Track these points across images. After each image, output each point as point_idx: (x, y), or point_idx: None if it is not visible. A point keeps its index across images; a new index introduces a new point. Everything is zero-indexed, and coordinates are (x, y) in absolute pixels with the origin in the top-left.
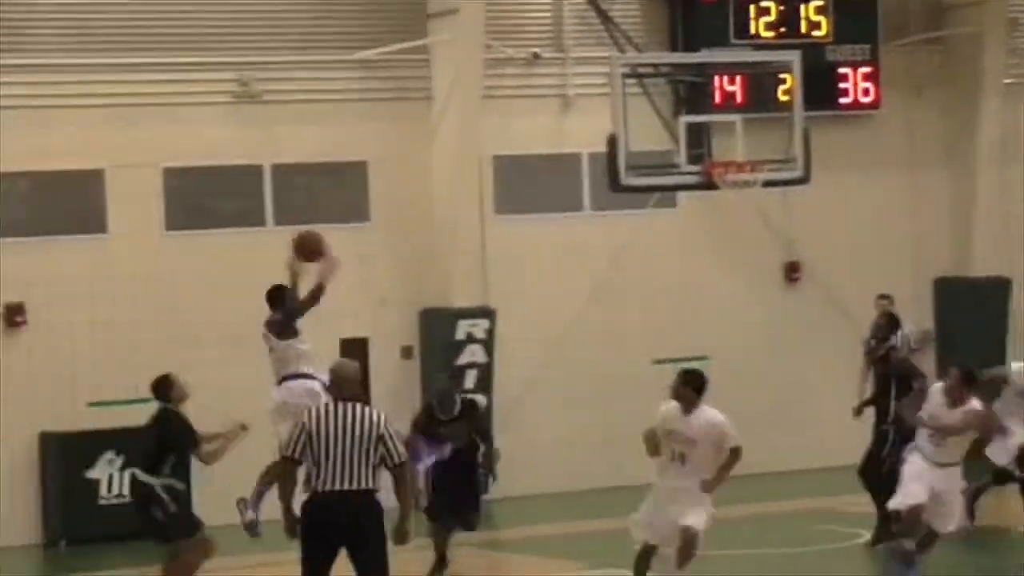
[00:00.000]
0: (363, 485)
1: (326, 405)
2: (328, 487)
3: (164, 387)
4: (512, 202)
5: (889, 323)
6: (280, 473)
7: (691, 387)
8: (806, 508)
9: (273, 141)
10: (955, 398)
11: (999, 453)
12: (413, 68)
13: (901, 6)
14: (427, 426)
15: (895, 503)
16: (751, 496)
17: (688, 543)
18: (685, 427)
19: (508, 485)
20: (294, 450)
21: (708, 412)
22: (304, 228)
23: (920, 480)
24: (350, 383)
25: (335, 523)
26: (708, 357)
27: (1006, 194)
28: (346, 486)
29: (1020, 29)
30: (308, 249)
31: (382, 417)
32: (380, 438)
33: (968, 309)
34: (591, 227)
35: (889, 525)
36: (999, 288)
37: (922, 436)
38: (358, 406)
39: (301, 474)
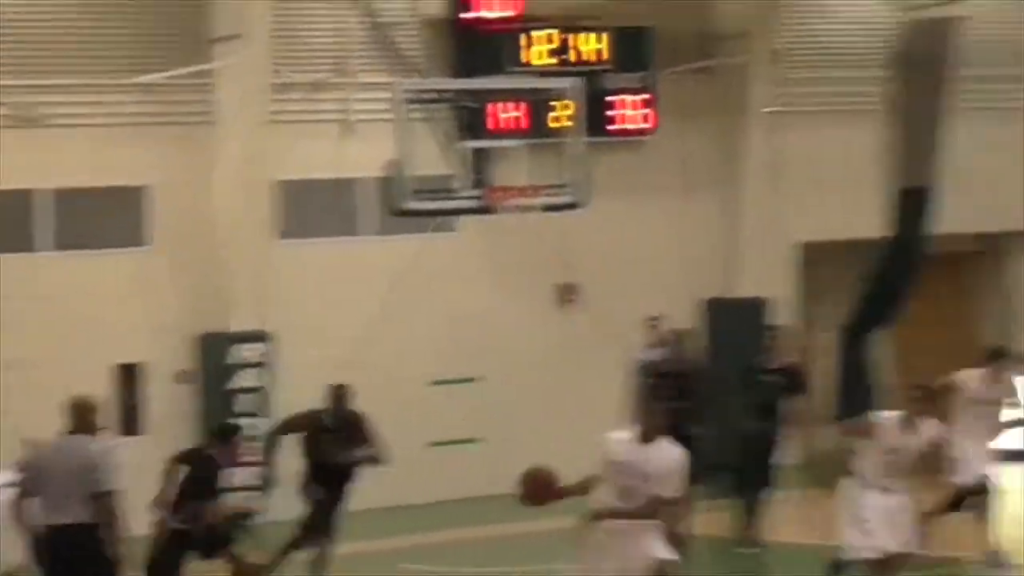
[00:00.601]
0: (77, 519)
1: (53, 440)
2: (48, 521)
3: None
4: (296, 226)
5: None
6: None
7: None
8: None
9: (52, 165)
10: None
11: None
12: (197, 92)
13: (674, 36)
14: (311, 432)
15: None
16: (532, 512)
17: None
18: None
19: (281, 507)
20: (24, 485)
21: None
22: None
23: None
24: (78, 416)
25: (57, 557)
26: (475, 379)
27: (772, 218)
28: (61, 520)
29: (784, 60)
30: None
31: (99, 447)
32: (91, 467)
33: (734, 328)
34: (374, 251)
35: None
36: (762, 308)
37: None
38: (80, 438)
39: None
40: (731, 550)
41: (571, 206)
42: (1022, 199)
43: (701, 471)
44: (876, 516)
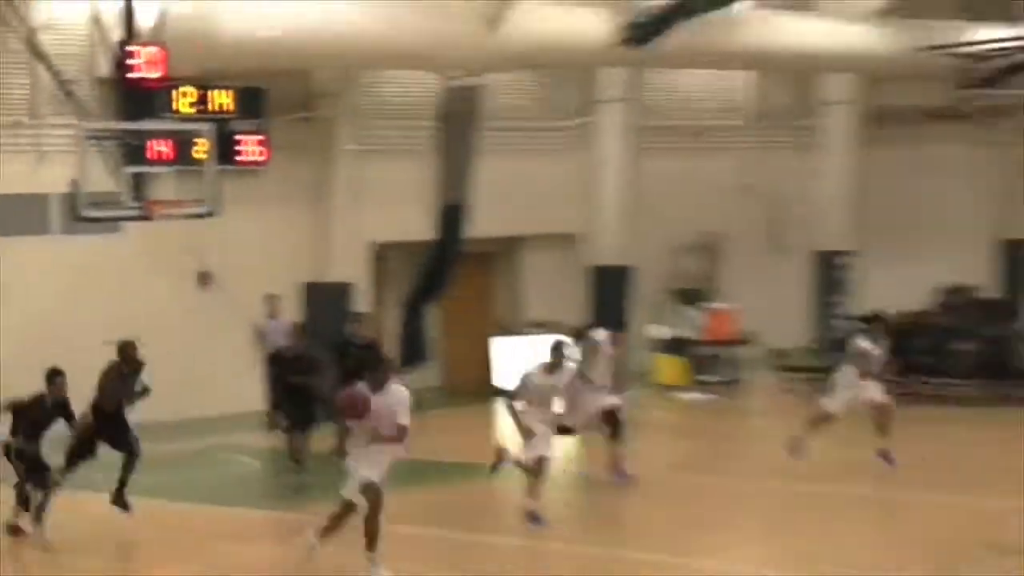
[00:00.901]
0: None
1: None
2: None
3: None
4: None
5: (302, 331)
6: None
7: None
8: (220, 443)
9: None
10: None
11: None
12: None
13: (283, 93)
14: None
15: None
16: (184, 436)
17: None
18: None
19: None
20: None
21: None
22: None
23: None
24: None
25: None
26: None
27: (353, 224)
28: None
29: (362, 112)
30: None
31: None
32: None
33: (326, 305)
34: (61, 247)
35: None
36: (347, 290)
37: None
38: None
39: None
40: (334, 460)
41: (208, 215)
42: (526, 212)
43: (318, 417)
44: (539, 431)
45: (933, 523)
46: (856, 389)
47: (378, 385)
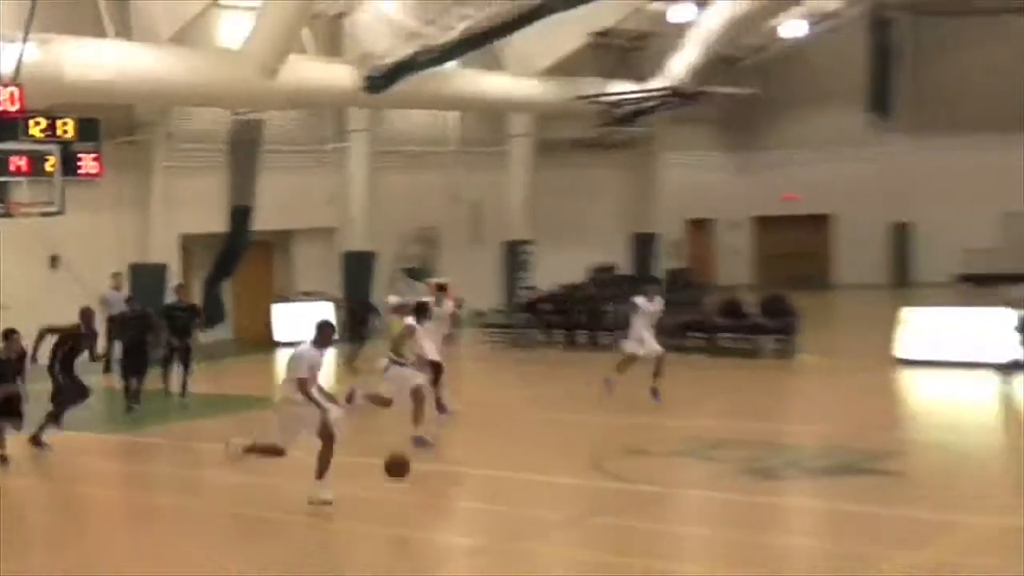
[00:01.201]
0: None
1: None
2: None
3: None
4: None
5: (134, 300)
6: None
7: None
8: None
9: None
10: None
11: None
12: None
13: (114, 121)
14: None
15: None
16: (43, 379)
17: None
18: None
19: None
20: None
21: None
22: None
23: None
24: None
25: None
26: (11, 307)
27: (166, 220)
28: None
29: (173, 137)
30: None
31: None
32: None
33: (147, 281)
34: None
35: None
36: (164, 270)
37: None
38: None
39: None
40: (162, 397)
41: (56, 213)
42: (296, 212)
43: (149, 364)
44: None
45: (588, 435)
46: (646, 335)
47: (323, 345)
